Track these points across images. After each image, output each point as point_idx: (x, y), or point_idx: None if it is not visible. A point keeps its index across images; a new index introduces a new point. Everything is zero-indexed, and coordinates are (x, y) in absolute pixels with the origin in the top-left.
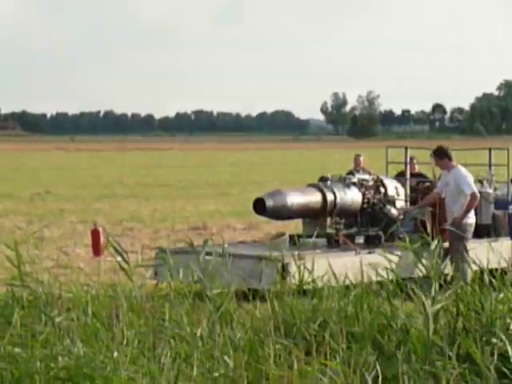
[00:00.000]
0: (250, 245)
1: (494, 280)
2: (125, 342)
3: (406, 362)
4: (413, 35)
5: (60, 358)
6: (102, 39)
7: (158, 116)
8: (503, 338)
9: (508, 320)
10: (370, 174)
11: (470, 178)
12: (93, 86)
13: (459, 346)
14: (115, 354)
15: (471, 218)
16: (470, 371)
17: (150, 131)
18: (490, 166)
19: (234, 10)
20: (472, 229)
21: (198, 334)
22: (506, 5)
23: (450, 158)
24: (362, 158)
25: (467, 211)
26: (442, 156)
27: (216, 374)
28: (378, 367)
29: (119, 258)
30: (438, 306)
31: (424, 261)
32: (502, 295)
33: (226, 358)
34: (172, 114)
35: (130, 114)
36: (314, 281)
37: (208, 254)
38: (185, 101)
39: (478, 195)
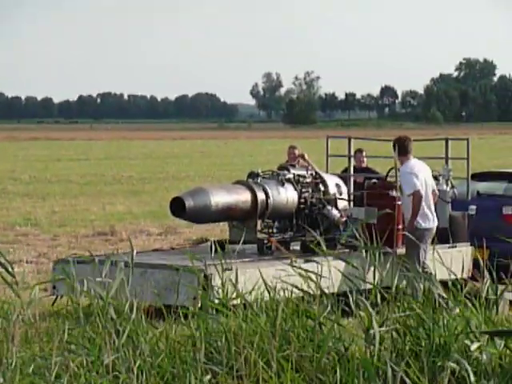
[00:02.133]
0: (167, 253)
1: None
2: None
3: None
4: (358, 7)
5: None
6: None
7: (57, 100)
8: (461, 360)
9: (466, 340)
10: (307, 169)
11: (412, 175)
12: None
13: (406, 372)
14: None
15: (428, 222)
16: None
17: (48, 117)
18: (446, 159)
19: None
20: (429, 234)
21: (105, 361)
22: None
23: (400, 152)
24: (297, 151)
25: (414, 214)
26: (394, 149)
27: None
28: None
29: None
30: (384, 325)
31: (369, 271)
32: (457, 311)
33: None
34: (74, 98)
35: (23, 97)
36: (240, 295)
37: (117, 263)
38: (89, 82)
39: (421, 193)
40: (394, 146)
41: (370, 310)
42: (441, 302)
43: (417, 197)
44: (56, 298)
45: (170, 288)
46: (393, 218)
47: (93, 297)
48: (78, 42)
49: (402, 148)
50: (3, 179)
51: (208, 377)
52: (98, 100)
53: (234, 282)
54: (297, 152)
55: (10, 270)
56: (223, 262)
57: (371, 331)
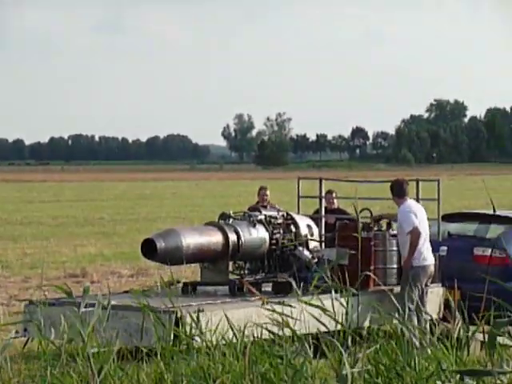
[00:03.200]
0: (138, 295)
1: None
2: None
3: None
4: (328, 49)
5: None
6: None
7: (28, 142)
8: None
9: (437, 382)
10: (278, 210)
11: (411, 213)
12: None
13: None
14: None
15: (423, 261)
16: None
17: (19, 159)
18: (417, 200)
19: (113, 21)
20: (424, 272)
21: None
22: (435, 14)
23: (398, 193)
24: (268, 192)
25: (412, 252)
26: (392, 191)
27: None
28: None
29: None
30: (355, 366)
31: (339, 312)
32: (429, 351)
33: None
34: (45, 140)
35: None
36: (208, 337)
37: (88, 305)
38: (60, 124)
39: (419, 230)
40: (392, 188)
41: (335, 351)
42: (414, 343)
43: (415, 234)
44: (27, 341)
45: (138, 330)
46: (365, 260)
47: (67, 338)
48: (49, 84)
49: (400, 190)
50: None
51: None
52: (70, 142)
53: (205, 323)
54: (267, 193)
55: None
56: (194, 303)
57: (343, 372)
